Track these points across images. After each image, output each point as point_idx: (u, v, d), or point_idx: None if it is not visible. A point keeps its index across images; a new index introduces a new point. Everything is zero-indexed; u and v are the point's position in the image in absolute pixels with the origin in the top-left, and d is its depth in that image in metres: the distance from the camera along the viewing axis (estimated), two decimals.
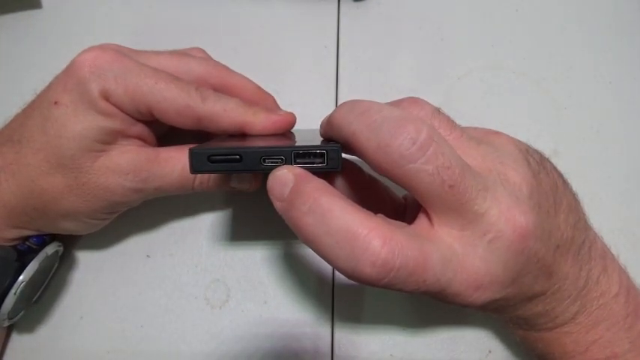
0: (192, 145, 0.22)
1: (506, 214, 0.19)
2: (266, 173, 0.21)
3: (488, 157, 0.21)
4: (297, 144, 0.22)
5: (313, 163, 0.21)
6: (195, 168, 0.21)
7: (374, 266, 0.18)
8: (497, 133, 0.23)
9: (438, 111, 0.22)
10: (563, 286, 0.22)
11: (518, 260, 0.20)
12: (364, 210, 0.19)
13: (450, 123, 0.22)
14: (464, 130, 0.22)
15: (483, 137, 0.23)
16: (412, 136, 0.18)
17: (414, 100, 0.22)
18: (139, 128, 0.26)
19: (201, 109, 0.25)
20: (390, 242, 0.18)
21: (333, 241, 0.18)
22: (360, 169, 0.25)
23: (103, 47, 0.25)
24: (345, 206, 0.19)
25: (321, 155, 0.21)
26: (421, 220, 0.20)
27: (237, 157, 0.21)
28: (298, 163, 0.21)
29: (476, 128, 0.24)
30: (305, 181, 0.20)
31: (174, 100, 0.25)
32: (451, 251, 0.19)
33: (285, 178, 0.20)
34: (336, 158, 0.21)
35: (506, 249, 0.19)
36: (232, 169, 0.21)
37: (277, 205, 0.20)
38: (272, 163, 0.21)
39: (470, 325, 0.30)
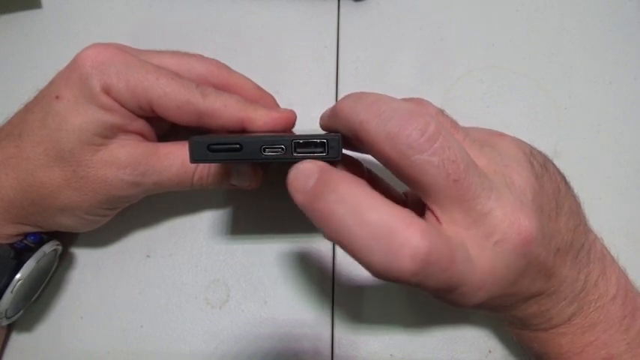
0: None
1: (510, 216, 0.19)
2: (266, 164, 0.21)
3: (492, 160, 0.21)
4: (297, 134, 0.22)
5: (314, 152, 0.21)
6: (194, 157, 0.21)
7: (414, 260, 0.17)
8: (501, 134, 0.23)
9: (441, 113, 0.22)
10: (560, 288, 0.22)
11: (520, 264, 0.20)
12: (394, 203, 0.19)
13: (454, 125, 0.22)
14: (467, 133, 0.22)
15: (487, 139, 0.23)
16: (421, 128, 0.18)
17: (418, 102, 0.22)
18: (140, 124, 0.26)
19: (202, 105, 0.25)
20: (429, 236, 0.17)
21: (367, 234, 0.17)
22: (360, 165, 0.25)
23: (105, 44, 0.26)
24: (377, 197, 0.18)
25: (322, 145, 0.21)
26: (429, 218, 0.20)
27: (237, 146, 0.21)
28: (299, 153, 0.21)
29: (479, 128, 0.24)
30: (332, 172, 0.19)
31: (175, 96, 0.25)
32: (466, 250, 0.19)
33: (309, 169, 0.19)
34: (336, 147, 0.21)
35: (511, 252, 0.19)
36: (232, 159, 0.21)
37: (299, 198, 0.19)
38: (272, 152, 0.21)
39: (470, 325, 0.30)
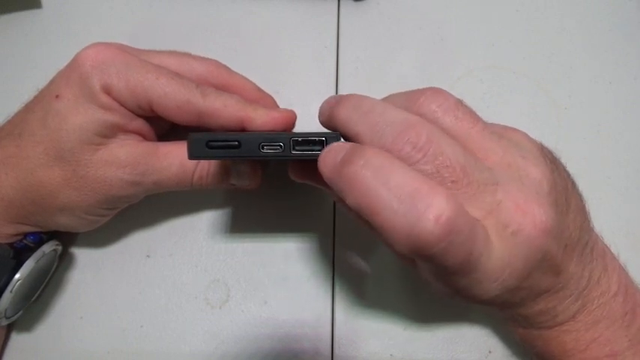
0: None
1: (523, 207, 0.19)
2: (265, 163, 0.21)
3: (509, 151, 0.21)
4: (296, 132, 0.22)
5: (312, 150, 0.21)
6: (193, 153, 0.21)
7: (437, 223, 0.17)
8: (514, 129, 0.24)
9: (461, 103, 0.22)
10: (566, 285, 0.22)
11: (536, 256, 0.20)
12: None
13: (473, 116, 0.22)
14: (486, 125, 0.22)
15: (503, 132, 0.23)
16: (413, 141, 0.19)
17: (438, 91, 0.22)
18: (139, 124, 0.26)
19: (202, 105, 0.25)
20: (454, 201, 0.17)
21: (392, 195, 0.17)
22: None
23: (105, 43, 0.26)
24: (403, 165, 0.18)
25: (320, 143, 0.21)
26: None
27: (236, 143, 0.21)
28: (297, 150, 0.21)
29: (494, 124, 0.24)
30: (362, 145, 0.20)
31: (175, 96, 0.25)
32: (486, 231, 0.19)
33: (340, 146, 0.20)
34: None
35: (529, 243, 0.19)
36: (230, 156, 0.21)
37: (328, 170, 0.20)
38: (270, 149, 0.21)
39: (470, 325, 0.30)
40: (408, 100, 0.22)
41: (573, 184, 0.23)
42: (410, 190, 0.17)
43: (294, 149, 0.21)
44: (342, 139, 0.21)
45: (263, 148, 0.21)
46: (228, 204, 0.32)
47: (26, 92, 0.27)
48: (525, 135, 0.23)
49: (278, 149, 0.21)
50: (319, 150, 0.21)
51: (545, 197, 0.20)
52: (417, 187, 0.17)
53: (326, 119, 0.24)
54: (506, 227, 0.19)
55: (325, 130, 0.23)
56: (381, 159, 0.18)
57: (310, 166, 0.26)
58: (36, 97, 0.26)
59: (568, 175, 0.23)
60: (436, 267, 0.19)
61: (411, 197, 0.17)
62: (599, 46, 0.36)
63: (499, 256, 0.19)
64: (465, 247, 0.18)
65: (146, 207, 0.31)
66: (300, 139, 0.21)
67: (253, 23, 0.37)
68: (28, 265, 0.26)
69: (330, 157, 0.20)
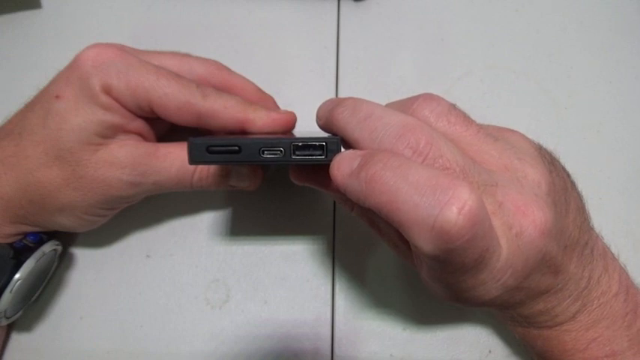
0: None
1: (523, 209, 0.19)
2: (264, 166, 0.21)
3: (505, 154, 0.21)
4: (296, 136, 0.22)
5: (312, 155, 0.21)
6: (193, 158, 0.21)
7: (460, 213, 0.16)
8: (511, 130, 0.24)
9: (454, 107, 0.22)
10: (566, 285, 0.22)
11: (536, 257, 0.20)
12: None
13: (467, 120, 0.22)
14: (480, 127, 0.22)
15: (500, 134, 0.23)
16: (412, 146, 0.19)
17: (430, 97, 0.22)
18: (139, 124, 0.27)
19: (202, 106, 0.25)
20: (476, 192, 0.17)
21: (413, 189, 0.17)
22: None
23: (106, 44, 0.26)
24: (422, 164, 0.18)
25: (321, 147, 0.21)
26: None
27: (236, 147, 0.21)
28: (297, 155, 0.21)
29: (489, 125, 0.24)
30: (375, 150, 0.19)
31: (175, 96, 0.25)
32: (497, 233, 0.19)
33: (352, 153, 0.20)
34: (335, 150, 0.21)
35: (530, 245, 0.19)
36: (231, 160, 0.21)
37: (344, 176, 0.19)
38: (271, 154, 0.21)
39: (470, 325, 0.30)
40: (401, 108, 0.22)
41: (572, 184, 0.23)
42: (431, 183, 0.17)
43: (294, 154, 0.21)
44: (342, 144, 0.21)
45: (263, 153, 0.21)
46: (229, 204, 0.32)
47: (26, 92, 0.27)
48: (522, 136, 0.23)
49: (278, 154, 0.21)
50: (320, 154, 0.21)
51: (544, 198, 0.20)
52: (438, 180, 0.17)
53: (324, 123, 0.24)
54: (510, 228, 0.19)
55: (325, 135, 0.23)
56: (399, 160, 0.18)
57: (311, 168, 0.26)
58: (36, 97, 0.27)
59: (567, 175, 0.23)
60: (452, 264, 0.18)
61: (432, 189, 0.17)
62: (599, 46, 0.36)
63: (505, 256, 0.19)
64: (484, 242, 0.18)
65: (146, 207, 0.31)
66: (300, 143, 0.21)
67: (253, 23, 0.37)
68: (28, 265, 0.26)
69: (345, 164, 0.20)
